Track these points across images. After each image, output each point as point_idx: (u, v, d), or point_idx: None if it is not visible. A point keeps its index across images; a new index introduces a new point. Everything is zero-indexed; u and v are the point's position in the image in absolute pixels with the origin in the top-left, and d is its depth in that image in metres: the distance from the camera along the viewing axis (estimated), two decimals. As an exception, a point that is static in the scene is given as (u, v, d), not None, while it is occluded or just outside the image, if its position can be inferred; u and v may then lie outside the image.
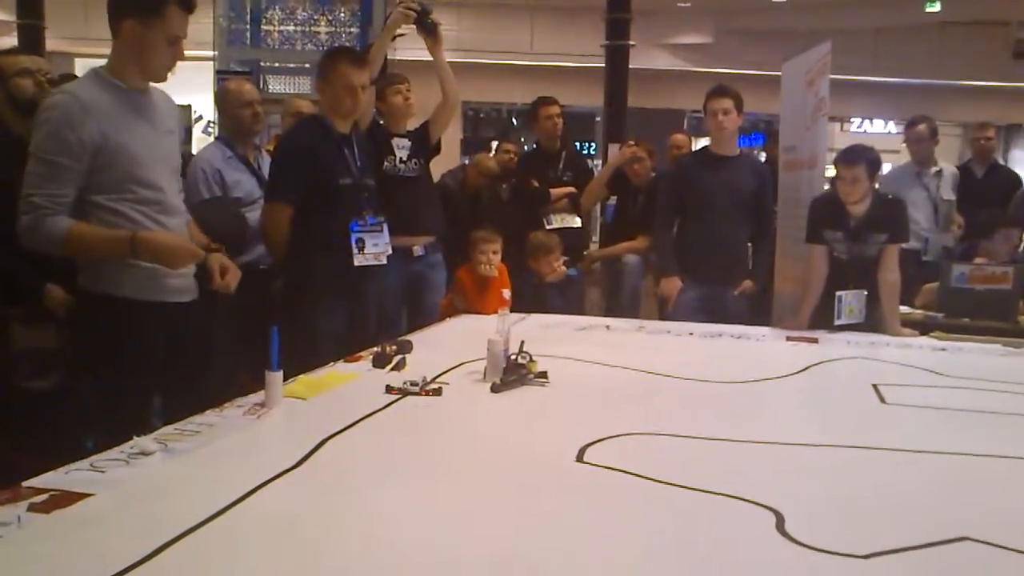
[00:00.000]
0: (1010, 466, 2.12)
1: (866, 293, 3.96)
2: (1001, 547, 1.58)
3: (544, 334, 3.58)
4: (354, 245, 3.44)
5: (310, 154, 3.45)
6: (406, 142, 4.23)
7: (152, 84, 2.66)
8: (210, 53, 8.10)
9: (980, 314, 4.32)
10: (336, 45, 7.58)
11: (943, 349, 3.71)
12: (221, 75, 7.84)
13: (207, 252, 2.73)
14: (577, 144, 12.36)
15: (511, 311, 2.91)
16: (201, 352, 2.88)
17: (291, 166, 3.49)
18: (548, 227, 5.15)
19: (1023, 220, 4.90)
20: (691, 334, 3.84)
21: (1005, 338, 3.89)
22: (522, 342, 2.80)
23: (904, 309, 4.32)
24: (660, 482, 1.87)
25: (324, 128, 3.50)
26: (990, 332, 4.04)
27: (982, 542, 1.59)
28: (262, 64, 8.64)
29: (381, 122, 4.25)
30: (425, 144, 4.32)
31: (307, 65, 8.24)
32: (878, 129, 14.59)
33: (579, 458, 2.04)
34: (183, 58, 2.61)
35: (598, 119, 12.11)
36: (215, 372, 3.02)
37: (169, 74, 2.64)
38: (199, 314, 2.82)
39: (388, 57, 4.90)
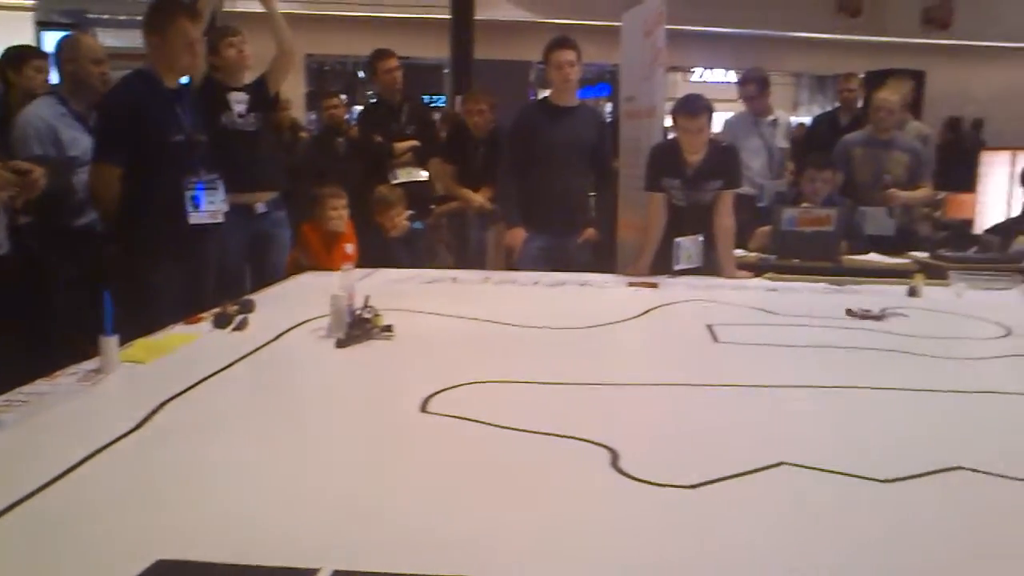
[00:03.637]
0: (826, 395, 2.27)
1: (703, 238, 4.12)
2: (813, 468, 1.69)
3: (391, 288, 3.57)
4: (188, 203, 3.35)
5: (138, 111, 3.32)
6: (243, 96, 4.12)
7: None
8: (29, 1, 7.60)
9: (808, 254, 4.55)
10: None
11: (774, 289, 3.90)
12: (43, 27, 7.38)
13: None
14: (425, 97, 12.29)
15: (357, 266, 2.90)
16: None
17: (118, 124, 3.34)
18: (394, 181, 5.12)
19: (836, 164, 5.16)
20: (536, 283, 3.91)
21: (829, 276, 4.13)
22: (367, 297, 2.79)
23: (739, 252, 4.52)
24: (500, 427, 1.92)
25: (152, 84, 3.37)
26: (817, 272, 4.28)
27: (797, 465, 1.70)
28: (88, 15, 8.17)
29: (215, 76, 4.11)
30: (263, 97, 4.21)
31: (140, 17, 7.84)
32: (718, 78, 15.02)
33: (423, 408, 2.06)
34: None
35: (446, 71, 12.04)
36: (55, 344, 2.91)
37: None
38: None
39: (223, 9, 4.74)
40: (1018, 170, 7.03)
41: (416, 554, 1.33)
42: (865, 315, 3.22)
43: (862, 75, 7.54)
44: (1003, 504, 1.59)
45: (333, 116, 6.27)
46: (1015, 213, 6.51)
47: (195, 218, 3.39)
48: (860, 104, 6.27)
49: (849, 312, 3.26)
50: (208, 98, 3.90)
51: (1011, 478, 1.66)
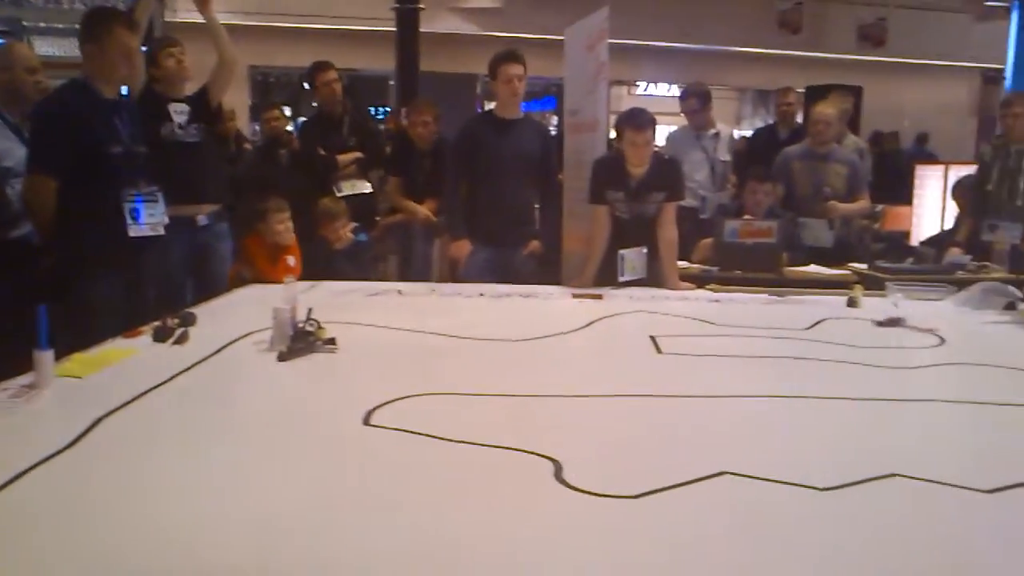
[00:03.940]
0: (768, 404, 2.30)
1: (646, 250, 4.15)
2: (754, 478, 1.71)
3: (335, 301, 3.55)
4: (128, 215, 3.29)
5: (74, 122, 3.25)
6: (184, 107, 4.07)
7: None
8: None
9: (750, 266, 4.62)
10: (101, 4, 7.13)
11: (717, 300, 3.95)
12: (-23, 35, 7.23)
13: None
14: (373, 109, 12.25)
15: (301, 279, 2.87)
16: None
17: (54, 135, 3.27)
18: (339, 194, 5.09)
19: (776, 176, 5.24)
20: (481, 295, 3.91)
21: (770, 288, 4.19)
22: (309, 309, 2.76)
23: (682, 264, 4.56)
24: (444, 439, 1.91)
25: (89, 94, 3.31)
26: (759, 283, 4.35)
27: (738, 475, 1.72)
28: (25, 24, 8.01)
29: (155, 87, 4.06)
30: (205, 108, 4.16)
31: (77, 26, 7.70)
32: (662, 92, 15.18)
33: (366, 421, 2.04)
34: None
35: (392, 83, 12.02)
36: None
37: None
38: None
39: (164, 19, 4.69)
40: (951, 184, 7.21)
41: (358, 569, 1.32)
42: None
43: (801, 90, 7.69)
44: (937, 510, 1.62)
45: (274, 128, 6.23)
46: (949, 226, 6.69)
47: (135, 231, 3.33)
48: (800, 118, 6.37)
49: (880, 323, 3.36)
50: (148, 109, 3.85)
51: (945, 484, 1.70)
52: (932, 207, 8.88)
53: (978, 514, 1.61)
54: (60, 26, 8.21)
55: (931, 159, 10.58)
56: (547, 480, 1.69)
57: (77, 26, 3.48)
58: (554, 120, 11.09)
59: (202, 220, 4.12)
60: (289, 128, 6.81)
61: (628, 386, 2.44)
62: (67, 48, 7.92)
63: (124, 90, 3.62)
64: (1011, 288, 3.81)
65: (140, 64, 3.64)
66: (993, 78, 13.54)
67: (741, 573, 1.34)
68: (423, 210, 5.25)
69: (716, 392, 2.37)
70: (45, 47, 8.28)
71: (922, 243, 6.17)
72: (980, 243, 5.14)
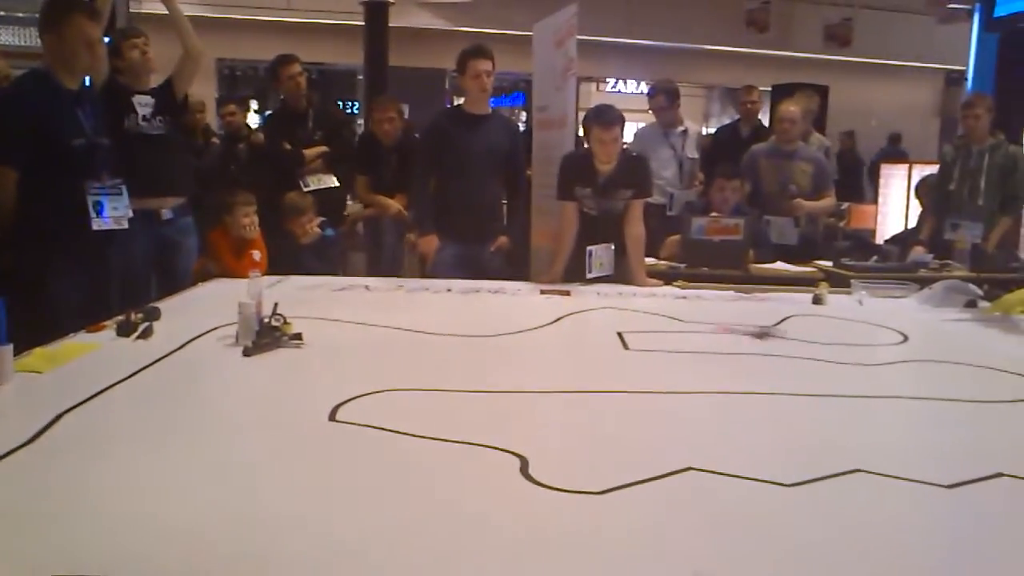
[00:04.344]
0: (733, 400, 2.30)
1: (614, 247, 4.17)
2: (720, 473, 1.72)
3: (302, 296, 3.52)
4: (91, 209, 3.24)
5: (36, 113, 3.20)
6: (148, 99, 4.01)
7: None
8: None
9: (717, 263, 4.64)
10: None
11: (684, 297, 3.97)
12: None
13: None
14: (341, 103, 12.18)
15: (267, 274, 2.85)
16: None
17: (14, 127, 3.21)
18: (305, 189, 5.05)
19: (743, 174, 5.27)
20: (449, 290, 3.90)
21: (737, 285, 4.22)
22: (275, 304, 2.74)
23: (650, 261, 4.59)
24: (410, 435, 1.90)
25: (51, 85, 3.26)
26: (725, 280, 4.38)
27: (704, 471, 1.73)
28: (-16, 11, 7.89)
29: (119, 79, 4.00)
30: (170, 101, 4.11)
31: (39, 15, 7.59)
32: (631, 89, 15.22)
33: (331, 417, 2.03)
34: None
35: (360, 77, 11.96)
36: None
37: None
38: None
39: (131, 11, 4.63)
40: (915, 182, 7.30)
41: (322, 564, 1.31)
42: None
43: (769, 88, 7.73)
44: (899, 505, 1.64)
45: (231, 123, 6.18)
46: (913, 224, 6.77)
47: (98, 224, 3.28)
48: (766, 116, 6.41)
49: None
50: (111, 101, 3.79)
51: (907, 479, 1.72)
52: (897, 206, 8.99)
53: (938, 509, 1.63)
54: (21, 15, 8.06)
55: (904, 158, 10.72)
56: (513, 476, 1.69)
57: (38, 15, 3.42)
58: (523, 116, 11.11)
59: (166, 214, 4.07)
60: (252, 122, 6.77)
61: (595, 382, 2.44)
62: (28, 37, 7.79)
63: (87, 81, 3.56)
64: (972, 286, 3.86)
65: (103, 54, 3.58)
66: (955, 80, 13.72)
67: (706, 569, 1.35)
68: (395, 204, 5.22)
69: (682, 388, 2.38)
70: (5, 36, 8.15)
71: (886, 241, 6.25)
72: (942, 242, 5.21)
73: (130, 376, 2.33)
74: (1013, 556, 1.44)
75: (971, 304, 3.73)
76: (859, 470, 1.75)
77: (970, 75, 9.98)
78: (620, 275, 4.18)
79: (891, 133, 12.78)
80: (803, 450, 1.93)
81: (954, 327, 3.44)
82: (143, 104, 3.99)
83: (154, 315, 2.93)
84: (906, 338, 3.15)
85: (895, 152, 11.98)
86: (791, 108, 5.42)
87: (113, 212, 3.33)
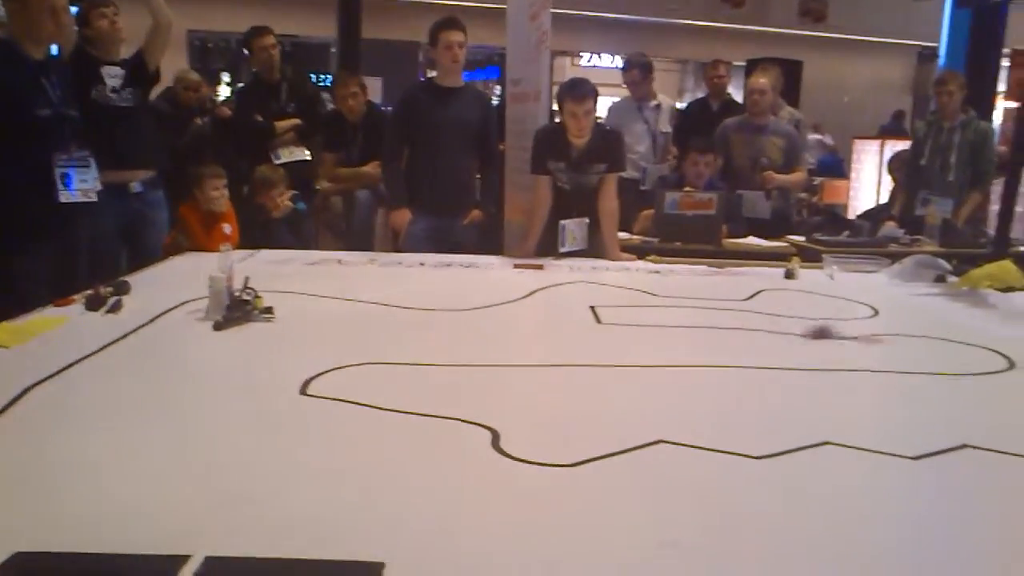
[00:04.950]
0: (704, 374, 2.32)
1: (587, 221, 4.16)
2: (691, 446, 1.73)
3: (273, 270, 3.50)
4: (58, 181, 3.20)
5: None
6: (118, 70, 3.96)
7: None
8: None
9: (690, 238, 4.65)
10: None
11: (657, 271, 3.98)
12: None
13: None
14: (314, 76, 12.05)
15: (238, 247, 2.82)
16: None
17: None
18: (276, 161, 5.00)
19: (715, 148, 5.27)
20: (422, 264, 3.88)
21: (710, 259, 4.24)
22: (246, 278, 2.72)
23: (623, 235, 4.59)
24: (381, 409, 1.90)
25: (15, 54, 3.20)
26: (698, 255, 4.39)
27: (675, 443, 1.74)
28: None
29: (88, 49, 3.94)
30: (141, 73, 4.06)
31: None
32: (606, 63, 15.18)
33: (302, 391, 2.02)
34: None
35: (333, 50, 11.84)
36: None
37: None
38: None
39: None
40: (886, 158, 7.34)
41: (291, 538, 1.31)
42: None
43: (743, 63, 7.70)
44: (866, 476, 1.65)
45: (192, 96, 6.11)
46: (884, 200, 6.82)
47: (65, 197, 3.24)
48: (739, 91, 6.39)
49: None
50: (79, 71, 3.73)
51: (874, 451, 1.74)
52: (869, 181, 9.05)
53: (904, 480, 1.65)
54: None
55: (906, 136, 10.79)
56: (484, 449, 1.69)
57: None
58: (497, 89, 11.05)
59: (136, 187, 4.03)
60: (221, 96, 6.67)
61: (567, 356, 2.44)
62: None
63: (55, 51, 3.50)
64: (941, 261, 3.90)
65: (68, 22, 3.52)
66: (928, 56, 13.79)
67: (677, 541, 1.35)
68: (367, 168, 5.13)
69: (654, 362, 2.39)
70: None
71: (858, 216, 6.28)
72: (913, 217, 5.25)
73: (99, 350, 2.31)
74: (976, 526, 1.46)
75: (940, 279, 3.76)
76: (828, 442, 1.76)
77: (942, 51, 10.03)
78: (593, 249, 4.18)
79: (895, 110, 12.83)
80: (773, 423, 1.94)
81: (924, 301, 3.47)
82: (112, 75, 3.94)
83: (124, 289, 2.90)
84: (877, 312, 3.17)
85: (898, 129, 12.02)
86: (760, 80, 5.42)
87: (81, 184, 3.29)
